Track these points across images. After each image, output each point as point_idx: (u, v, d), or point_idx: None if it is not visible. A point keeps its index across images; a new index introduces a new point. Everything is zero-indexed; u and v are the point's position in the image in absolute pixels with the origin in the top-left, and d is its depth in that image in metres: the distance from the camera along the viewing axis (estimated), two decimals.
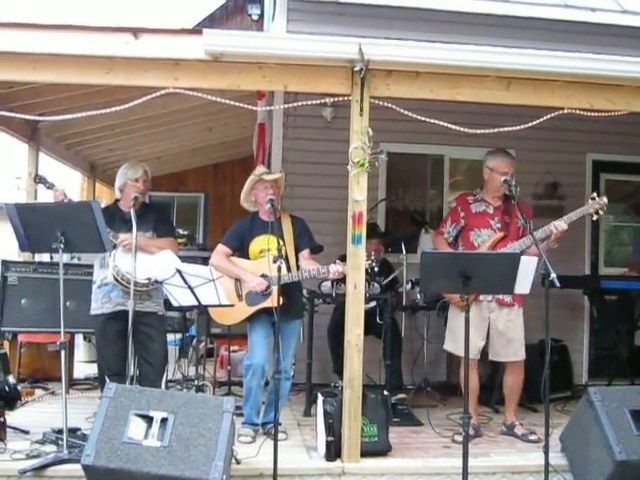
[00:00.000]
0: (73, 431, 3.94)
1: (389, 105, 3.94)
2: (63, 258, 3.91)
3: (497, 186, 4.56)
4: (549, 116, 4.09)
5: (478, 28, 5.35)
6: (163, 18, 19.56)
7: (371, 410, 4.07)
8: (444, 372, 6.22)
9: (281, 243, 4.18)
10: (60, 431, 3.79)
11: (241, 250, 4.52)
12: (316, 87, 3.95)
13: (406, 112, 3.99)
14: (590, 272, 6.71)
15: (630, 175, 6.99)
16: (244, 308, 4.40)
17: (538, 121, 4.11)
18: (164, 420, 3.42)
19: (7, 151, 11.14)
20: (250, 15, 9.46)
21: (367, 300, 4.64)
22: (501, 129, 4.15)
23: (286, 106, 5.08)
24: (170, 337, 6.08)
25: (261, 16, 9.09)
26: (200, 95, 3.87)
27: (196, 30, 4.00)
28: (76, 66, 3.81)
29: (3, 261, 5.53)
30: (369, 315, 4.55)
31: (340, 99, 3.97)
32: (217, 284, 4.02)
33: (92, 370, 5.84)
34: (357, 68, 3.80)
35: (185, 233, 11.05)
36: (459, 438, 4.09)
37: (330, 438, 3.92)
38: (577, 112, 4.08)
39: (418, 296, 5.53)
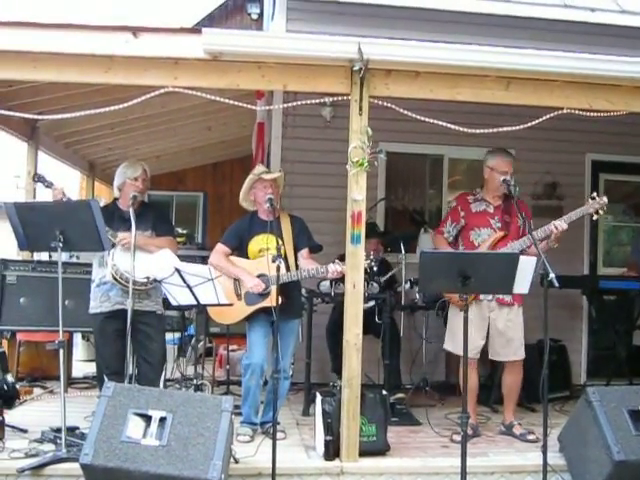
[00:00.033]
0: (72, 430, 3.94)
1: (388, 105, 3.94)
2: (62, 257, 3.91)
3: (497, 185, 4.57)
4: (548, 116, 4.09)
5: (479, 28, 5.36)
6: (163, 17, 19.59)
7: (370, 410, 4.07)
8: (443, 372, 6.22)
9: (280, 242, 4.17)
10: (59, 430, 3.79)
11: (240, 249, 4.52)
12: (315, 86, 3.94)
13: (405, 112, 3.99)
14: (589, 272, 6.70)
15: (629, 175, 6.99)
16: (243, 307, 4.40)
17: (537, 121, 4.11)
18: (163, 419, 3.41)
19: (6, 150, 11.16)
20: (249, 14, 9.48)
21: (366, 300, 4.64)
22: (501, 129, 4.15)
23: (285, 105, 5.08)
24: (169, 336, 6.10)
25: (260, 15, 9.09)
26: (199, 94, 3.86)
27: (195, 29, 3.99)
28: (76, 65, 3.80)
29: (2, 260, 5.52)
30: (368, 315, 4.54)
31: (339, 98, 3.97)
32: (216, 283, 4.01)
33: (91, 369, 5.84)
34: (356, 68, 3.80)
35: (184, 232, 11.05)
36: (457, 438, 4.09)
37: (329, 437, 3.92)
38: (576, 112, 4.08)
39: (417, 296, 5.55)
